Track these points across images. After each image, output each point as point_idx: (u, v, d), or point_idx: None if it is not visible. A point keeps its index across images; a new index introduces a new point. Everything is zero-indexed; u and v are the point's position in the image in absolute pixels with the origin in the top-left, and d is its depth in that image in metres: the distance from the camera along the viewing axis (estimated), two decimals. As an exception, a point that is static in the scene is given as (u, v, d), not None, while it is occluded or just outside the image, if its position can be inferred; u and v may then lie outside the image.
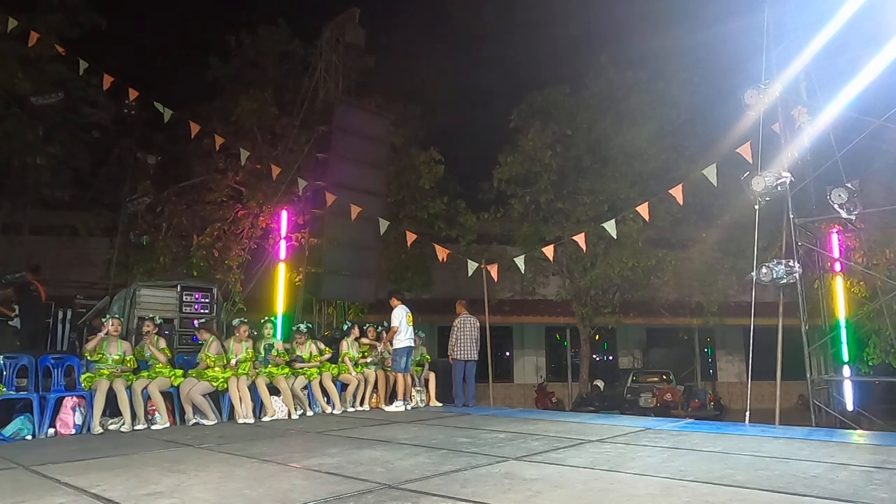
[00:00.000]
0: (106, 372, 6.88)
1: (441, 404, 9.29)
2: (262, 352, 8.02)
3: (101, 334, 7.05)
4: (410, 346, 8.69)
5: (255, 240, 14.23)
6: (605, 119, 17.22)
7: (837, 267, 10.12)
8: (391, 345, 8.74)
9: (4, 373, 6.60)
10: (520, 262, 11.21)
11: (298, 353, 8.38)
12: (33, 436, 6.37)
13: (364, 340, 9.06)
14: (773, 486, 3.53)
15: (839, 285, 10.03)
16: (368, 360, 8.92)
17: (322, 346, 8.65)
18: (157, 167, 13.67)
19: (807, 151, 8.81)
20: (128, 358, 7.12)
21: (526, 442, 5.45)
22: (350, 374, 8.57)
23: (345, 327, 9.45)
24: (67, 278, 14.50)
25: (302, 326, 8.76)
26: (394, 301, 8.87)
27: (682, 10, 15.38)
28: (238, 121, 14.74)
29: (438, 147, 16.36)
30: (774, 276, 7.90)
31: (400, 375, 8.58)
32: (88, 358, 6.95)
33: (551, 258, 12.52)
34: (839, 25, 7.61)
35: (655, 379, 19.19)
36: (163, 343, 7.60)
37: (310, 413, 8.04)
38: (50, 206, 15.61)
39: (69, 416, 6.65)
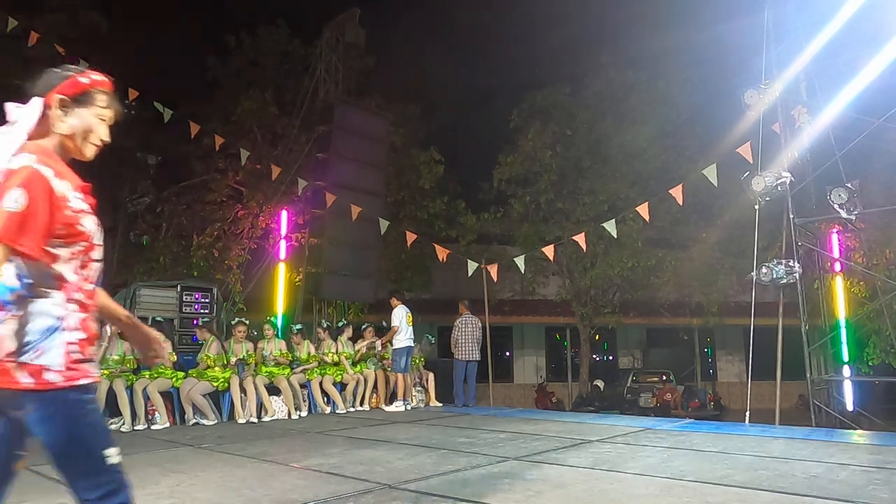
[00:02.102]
0: (106, 372, 6.88)
1: (441, 404, 9.29)
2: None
3: (104, 343, 7.03)
4: (411, 346, 8.69)
5: (255, 240, 14.23)
6: (605, 119, 17.22)
7: (837, 267, 10.13)
8: (391, 345, 8.75)
9: (4, 373, 6.59)
10: (520, 262, 11.21)
11: (297, 353, 8.40)
12: (33, 436, 6.36)
13: (360, 344, 9.03)
14: (773, 486, 3.53)
15: (839, 285, 10.04)
16: (365, 346, 8.92)
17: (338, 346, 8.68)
18: (157, 167, 13.67)
19: (807, 151, 8.81)
20: (128, 358, 7.12)
21: (526, 442, 5.45)
22: (348, 372, 8.58)
23: (339, 325, 9.46)
24: (67, 278, 14.47)
25: (300, 325, 8.78)
26: (394, 301, 8.87)
27: (682, 10, 15.39)
28: (238, 121, 14.74)
29: (438, 147, 16.41)
30: (774, 276, 7.91)
31: (400, 375, 8.57)
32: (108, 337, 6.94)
33: (551, 258, 12.52)
34: (839, 25, 7.62)
35: (655, 379, 19.19)
36: (169, 347, 7.59)
37: (304, 413, 7.99)
38: (50, 206, 15.59)
39: (69, 416, 6.64)
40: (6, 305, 1.57)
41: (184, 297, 9.07)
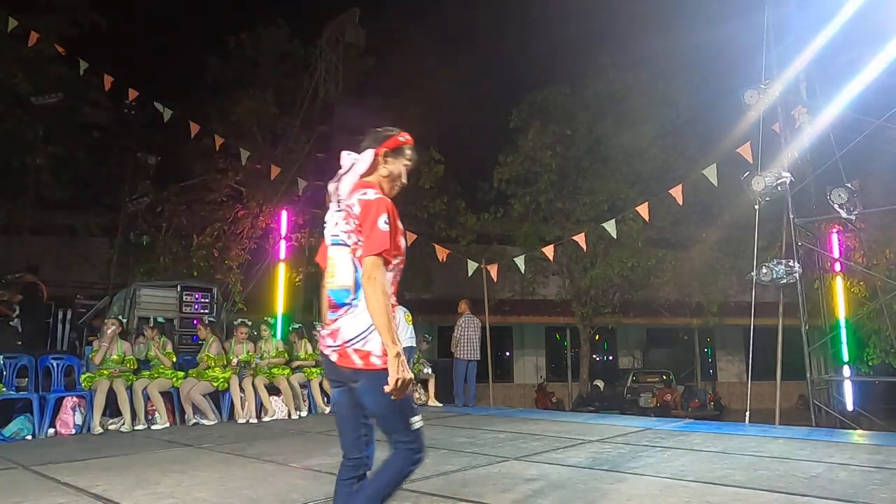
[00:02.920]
0: (106, 372, 6.88)
1: (441, 404, 9.28)
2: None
3: (105, 344, 7.03)
4: (412, 347, 8.69)
5: (255, 240, 14.21)
6: (605, 119, 17.22)
7: (837, 267, 10.12)
8: None
9: (4, 373, 6.60)
10: (520, 262, 11.20)
11: (295, 351, 8.41)
12: (33, 436, 6.37)
13: None
14: (773, 486, 3.53)
15: (839, 285, 10.02)
16: None
17: None
18: (157, 167, 13.65)
19: (807, 151, 8.81)
20: (128, 358, 7.12)
21: (526, 442, 5.45)
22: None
23: None
24: (67, 278, 14.47)
25: (298, 325, 8.81)
26: None
27: (682, 10, 15.38)
28: (238, 121, 14.73)
29: (438, 147, 16.37)
30: (774, 276, 7.90)
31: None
32: (95, 364, 6.95)
33: (551, 258, 12.51)
34: (839, 25, 7.61)
35: (655, 379, 19.18)
36: (169, 346, 7.60)
37: (304, 413, 7.97)
38: (50, 206, 15.59)
39: (69, 416, 6.66)
40: (343, 306, 2.17)
41: (184, 297, 9.07)
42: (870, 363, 12.45)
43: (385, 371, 2.07)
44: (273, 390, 7.80)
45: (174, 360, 7.52)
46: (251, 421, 7.34)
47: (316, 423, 7.09)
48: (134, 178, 13.31)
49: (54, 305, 9.71)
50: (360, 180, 2.28)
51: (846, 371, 9.41)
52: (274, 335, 8.62)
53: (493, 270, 11.07)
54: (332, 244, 2.24)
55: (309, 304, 12.42)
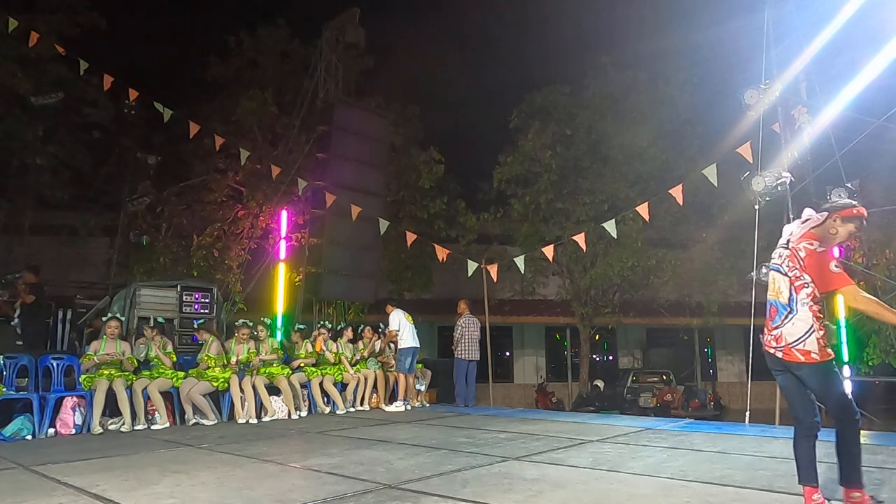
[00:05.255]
0: (106, 372, 6.88)
1: (427, 404, 9.34)
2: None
3: (96, 350, 7.03)
4: (416, 347, 8.69)
5: (255, 240, 14.22)
6: (605, 119, 17.21)
7: (837, 267, 10.09)
8: (390, 347, 8.79)
9: (4, 373, 6.60)
10: (520, 262, 11.20)
11: (297, 351, 8.43)
12: (33, 436, 6.37)
13: (364, 349, 9.02)
14: (773, 486, 3.53)
15: (839, 285, 10.00)
16: (368, 351, 8.94)
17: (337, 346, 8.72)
18: (157, 167, 13.65)
19: (807, 151, 8.80)
20: (127, 358, 7.12)
21: (526, 442, 5.45)
22: (348, 372, 8.58)
23: (339, 328, 9.47)
24: (67, 278, 14.48)
25: (303, 325, 8.84)
26: (388, 308, 8.93)
27: (682, 10, 15.39)
28: (238, 121, 14.74)
29: (438, 147, 16.40)
30: (774, 276, 7.89)
31: (402, 375, 8.58)
32: (84, 369, 6.95)
33: (551, 258, 12.50)
34: (839, 25, 7.60)
35: (655, 379, 19.18)
36: (170, 346, 7.61)
37: (304, 413, 7.97)
38: (50, 206, 15.60)
39: (69, 416, 6.65)
40: (781, 315, 3.03)
41: (184, 297, 9.06)
42: (870, 363, 12.45)
43: (821, 364, 2.93)
44: (273, 390, 7.80)
45: (174, 359, 7.52)
46: (251, 421, 7.34)
47: (316, 423, 7.09)
48: (134, 178, 13.32)
49: (54, 305, 9.71)
50: (808, 231, 3.08)
51: (846, 371, 9.41)
52: (273, 335, 8.63)
53: (493, 270, 11.06)
54: (774, 269, 3.14)
55: (309, 305, 12.40)
